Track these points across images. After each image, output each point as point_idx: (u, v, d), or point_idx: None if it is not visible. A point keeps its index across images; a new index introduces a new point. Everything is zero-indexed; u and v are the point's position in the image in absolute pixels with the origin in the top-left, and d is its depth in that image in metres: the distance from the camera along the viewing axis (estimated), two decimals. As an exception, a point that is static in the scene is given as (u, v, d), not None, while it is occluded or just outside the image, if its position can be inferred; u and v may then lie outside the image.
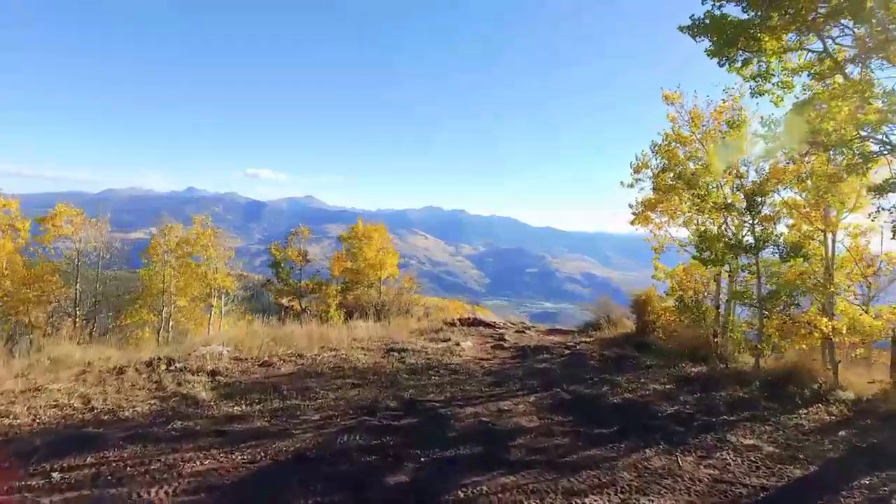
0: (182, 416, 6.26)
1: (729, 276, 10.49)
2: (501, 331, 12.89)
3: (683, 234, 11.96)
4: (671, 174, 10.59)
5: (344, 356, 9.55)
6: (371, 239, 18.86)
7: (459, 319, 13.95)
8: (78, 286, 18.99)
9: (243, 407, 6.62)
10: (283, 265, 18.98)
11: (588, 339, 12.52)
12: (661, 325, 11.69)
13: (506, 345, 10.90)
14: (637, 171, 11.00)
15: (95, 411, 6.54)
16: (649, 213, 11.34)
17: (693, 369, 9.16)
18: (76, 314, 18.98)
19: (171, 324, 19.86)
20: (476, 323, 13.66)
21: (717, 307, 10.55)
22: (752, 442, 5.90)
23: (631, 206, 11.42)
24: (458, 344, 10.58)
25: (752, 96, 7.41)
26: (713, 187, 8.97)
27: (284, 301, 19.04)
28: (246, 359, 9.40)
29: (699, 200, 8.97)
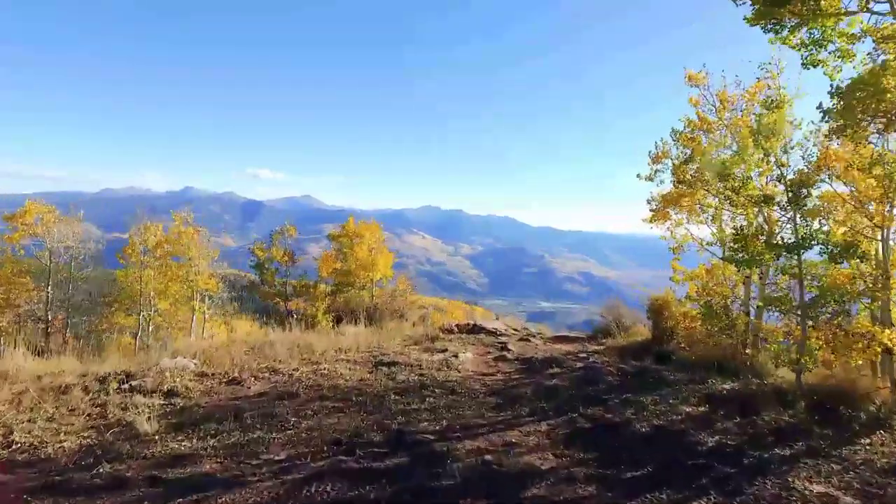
0: (115, 456, 5.06)
1: (759, 278, 9.36)
2: (504, 339, 11.71)
3: (704, 232, 10.85)
4: (695, 165, 9.43)
5: (325, 371, 8.35)
6: (363, 238, 17.63)
7: (458, 325, 12.77)
8: (49, 289, 17.77)
9: (193, 442, 5.42)
10: (267, 266, 17.74)
11: (599, 348, 11.36)
12: (682, 333, 10.53)
13: (509, 356, 9.71)
14: (656, 160, 9.84)
15: (12, 448, 5.34)
16: (668, 209, 10.18)
17: (724, 386, 8.00)
18: (48, 318, 17.76)
19: (150, 328, 18.64)
20: (476, 330, 12.47)
21: (747, 313, 9.39)
22: (821, 489, 4.73)
23: (649, 202, 10.26)
24: (455, 356, 9.40)
25: (805, 67, 6.26)
26: (749, 178, 7.81)
27: (279, 303, 17.79)
28: (213, 374, 8.21)
29: (732, 193, 7.81)
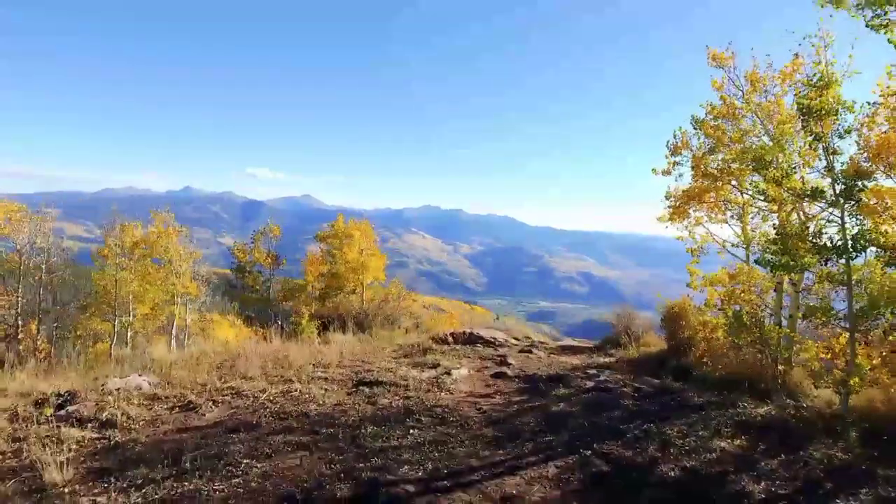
0: (4, 519, 3.96)
1: (793, 284, 8.26)
2: (503, 350, 10.60)
3: (726, 232, 9.77)
4: (720, 155, 8.36)
5: (297, 393, 7.24)
6: (352, 238, 16.46)
7: (452, 334, 11.66)
8: (20, 291, 16.65)
9: (111, 496, 4.30)
10: (249, 269, 16.55)
11: (609, 361, 10.26)
12: (702, 346, 9.43)
13: (510, 372, 8.60)
14: (675, 151, 8.73)
15: None
16: (688, 206, 9.09)
17: (759, 410, 6.90)
18: (17, 324, 16.64)
19: (129, 334, 17.52)
20: (472, 339, 11.36)
21: (779, 324, 8.29)
22: (916, 567, 3.64)
23: (667, 198, 9.15)
24: (448, 372, 8.29)
25: (869, 27, 5.16)
26: (792, 168, 6.70)
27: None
28: (167, 397, 7.10)
29: (773, 186, 6.70)
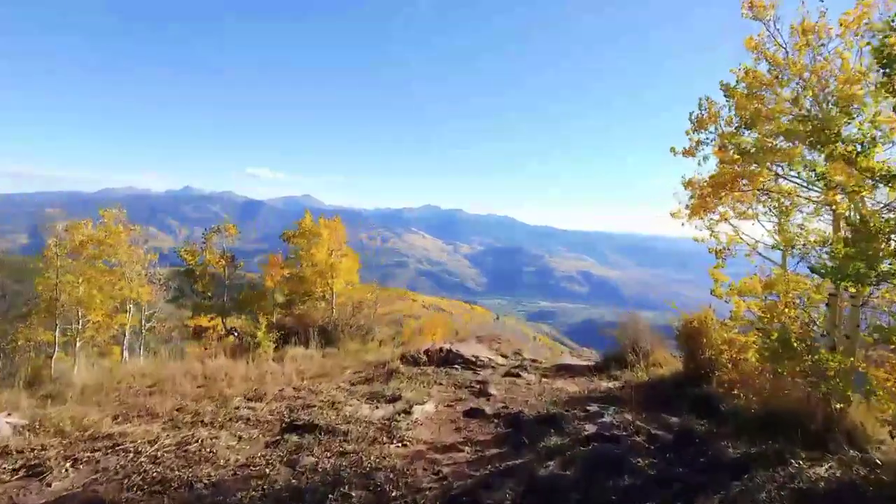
0: None
1: (852, 297, 6.43)
2: (485, 373, 8.74)
3: (757, 230, 7.95)
4: (754, 135, 6.54)
5: (197, 446, 5.40)
6: (320, 238, 14.57)
7: (427, 352, 9.80)
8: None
9: None
10: (200, 273, 14.65)
11: (614, 386, 8.42)
12: (731, 371, 7.61)
13: (488, 408, 6.72)
14: (700, 126, 6.88)
15: None
16: (712, 198, 7.25)
17: (818, 470, 5.08)
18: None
19: (78, 345, 15.65)
20: (450, 358, 9.50)
21: (832, 348, 6.46)
22: None
23: (688, 187, 7.31)
24: (409, 410, 6.43)
25: None
26: (873, 141, 4.88)
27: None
28: (20, 451, 5.26)
29: (844, 167, 4.89)
